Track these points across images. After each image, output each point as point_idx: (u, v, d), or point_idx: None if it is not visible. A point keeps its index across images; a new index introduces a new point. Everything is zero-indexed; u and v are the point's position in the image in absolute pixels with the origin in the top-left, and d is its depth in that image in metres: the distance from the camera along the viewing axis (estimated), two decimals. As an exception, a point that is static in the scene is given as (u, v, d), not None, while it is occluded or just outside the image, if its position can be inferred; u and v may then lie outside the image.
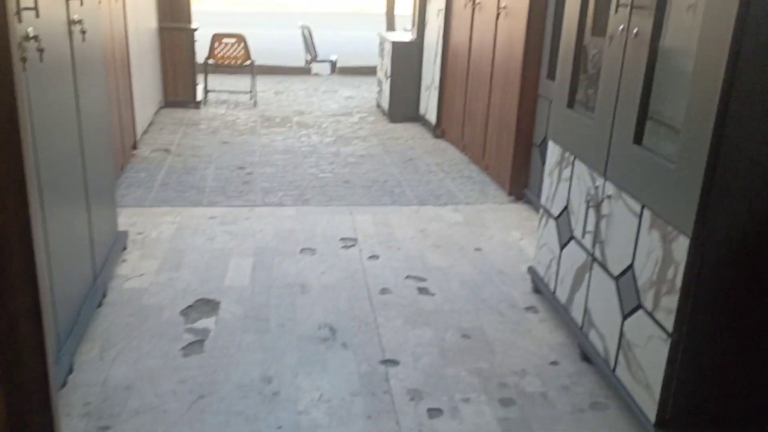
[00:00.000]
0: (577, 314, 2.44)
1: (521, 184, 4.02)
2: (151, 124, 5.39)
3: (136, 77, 4.60)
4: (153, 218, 3.54)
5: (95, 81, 2.74)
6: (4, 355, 1.47)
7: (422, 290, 2.90)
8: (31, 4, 1.94)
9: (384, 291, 2.86)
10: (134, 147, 4.59)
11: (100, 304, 2.62)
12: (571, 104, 2.58)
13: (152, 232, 3.37)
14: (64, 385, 2.14)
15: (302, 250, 3.25)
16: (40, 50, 2.03)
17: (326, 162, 4.78)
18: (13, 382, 1.51)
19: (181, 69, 5.99)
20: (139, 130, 4.78)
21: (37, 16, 1.98)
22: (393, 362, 2.34)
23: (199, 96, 6.22)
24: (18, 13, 1.86)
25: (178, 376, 2.22)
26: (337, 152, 5.06)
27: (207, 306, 2.69)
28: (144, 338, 2.43)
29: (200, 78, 6.35)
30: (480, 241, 3.45)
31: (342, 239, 3.40)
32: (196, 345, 2.41)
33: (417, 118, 6.02)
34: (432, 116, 5.62)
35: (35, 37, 1.99)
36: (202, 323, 2.56)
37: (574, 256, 2.47)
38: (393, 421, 2.03)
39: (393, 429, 2.00)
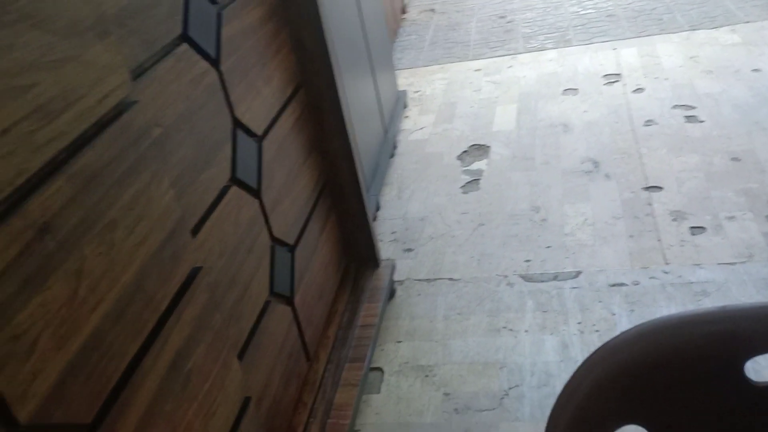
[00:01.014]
0: None
1: (818, -11, 3.52)
2: (415, -13, 5.69)
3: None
4: (426, 76, 3.93)
5: None
6: (333, 188, 1.99)
7: (690, 118, 2.87)
8: None
9: (648, 122, 2.90)
10: (403, 11, 4.97)
11: (392, 155, 3.12)
12: None
13: (426, 89, 3.76)
14: (374, 219, 2.68)
15: (564, 91, 3.37)
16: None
17: (588, -2, 4.65)
18: (342, 209, 2.03)
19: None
20: (405, -5, 5.12)
21: None
22: (656, 188, 2.46)
23: (457, -49, 6.30)
24: None
25: (461, 209, 2.63)
26: (600, -14, 4.85)
27: (479, 150, 3.03)
28: (430, 180, 2.87)
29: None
30: (759, 62, 3.21)
31: (605, 76, 3.43)
32: (473, 184, 2.78)
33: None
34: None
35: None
36: (476, 165, 2.91)
37: None
38: (654, 239, 2.21)
39: (654, 246, 2.18)
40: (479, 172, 2.86)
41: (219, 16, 1.34)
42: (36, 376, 0.75)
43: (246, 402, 1.22)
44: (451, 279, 2.25)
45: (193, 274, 1.10)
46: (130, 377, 0.91)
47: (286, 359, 1.54)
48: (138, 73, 1.04)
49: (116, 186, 0.91)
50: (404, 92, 3.62)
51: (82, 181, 0.84)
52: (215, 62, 1.31)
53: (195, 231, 1.15)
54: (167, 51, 1.14)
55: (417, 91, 3.75)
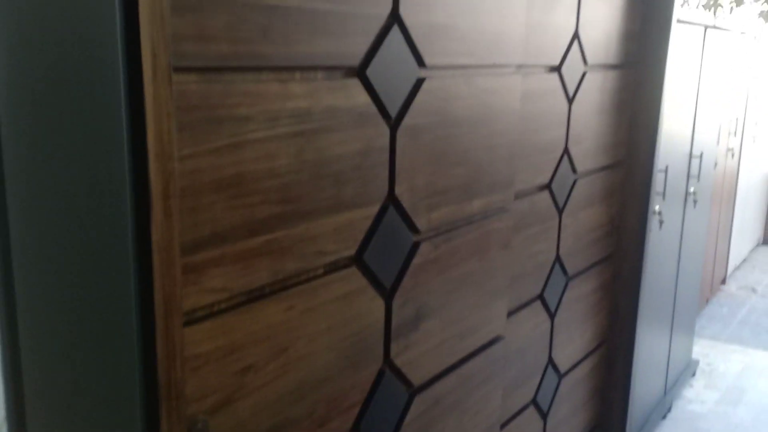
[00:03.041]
0: None
1: None
2: (744, 261, 5.83)
3: (738, 215, 5.15)
4: (724, 353, 4.06)
5: (699, 223, 3.47)
6: (599, 428, 2.37)
7: None
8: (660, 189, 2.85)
9: None
10: (723, 282, 5.15)
11: (664, 417, 3.33)
12: None
13: (720, 365, 3.90)
14: (625, 467, 2.92)
15: None
16: (661, 222, 2.92)
17: None
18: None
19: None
20: (731, 266, 5.31)
21: (663, 198, 2.89)
22: None
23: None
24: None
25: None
26: None
27: (756, 448, 3.09)
28: (693, 456, 3.02)
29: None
30: None
31: None
32: (737, 478, 2.87)
33: None
34: None
35: (660, 213, 2.90)
36: (747, 462, 2.99)
37: None
38: None
39: None
40: (748, 470, 2.93)
41: (566, 285, 1.92)
42: None
43: None
44: None
45: (489, 458, 1.60)
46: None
47: None
48: (508, 315, 1.64)
49: (478, 385, 1.48)
50: (696, 362, 3.82)
51: (462, 378, 1.43)
52: (552, 316, 1.87)
53: (501, 426, 1.67)
54: (527, 304, 1.74)
55: (710, 365, 3.90)
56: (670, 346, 3.32)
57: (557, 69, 1.67)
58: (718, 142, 3.94)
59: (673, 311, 3.30)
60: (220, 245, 0.84)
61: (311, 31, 0.94)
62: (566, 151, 1.78)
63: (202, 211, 0.81)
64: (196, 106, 0.78)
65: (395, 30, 1.09)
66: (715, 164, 3.94)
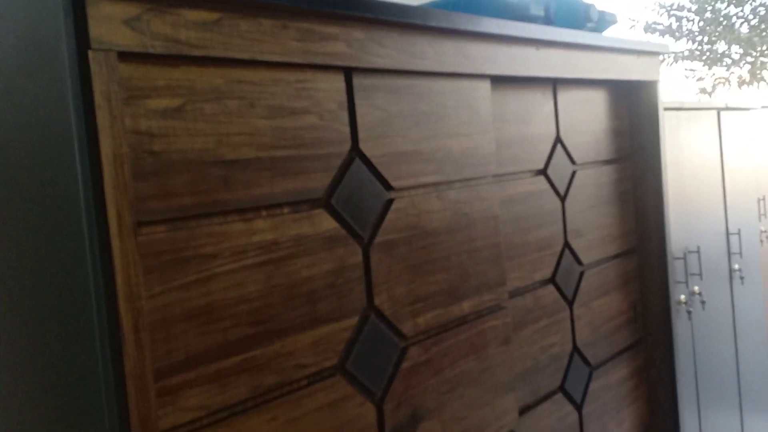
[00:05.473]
0: None
1: None
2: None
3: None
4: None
5: (752, 299, 3.31)
6: None
7: None
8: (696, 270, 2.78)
9: None
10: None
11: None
12: None
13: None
14: None
15: None
16: (703, 302, 2.82)
17: None
18: None
19: None
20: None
21: (701, 278, 2.81)
22: None
23: None
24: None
25: None
26: None
27: None
28: None
29: None
30: None
31: None
32: None
33: None
34: None
35: (700, 293, 2.81)
36: None
37: None
38: None
39: None
40: None
41: (590, 375, 1.88)
42: None
43: None
44: None
45: None
46: None
47: None
48: (522, 412, 1.63)
49: (490, 484, 1.47)
50: (779, 443, 3.52)
51: (473, 476, 1.42)
52: (579, 407, 1.83)
53: None
54: (546, 398, 1.72)
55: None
56: (742, 427, 3.11)
57: (543, 172, 1.74)
58: (765, 215, 3.82)
59: (739, 391, 3.12)
60: (195, 367, 0.94)
61: (272, 175, 1.06)
62: (567, 245, 1.81)
63: (174, 340, 0.91)
64: (162, 251, 0.91)
65: (357, 162, 1.21)
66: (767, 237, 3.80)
